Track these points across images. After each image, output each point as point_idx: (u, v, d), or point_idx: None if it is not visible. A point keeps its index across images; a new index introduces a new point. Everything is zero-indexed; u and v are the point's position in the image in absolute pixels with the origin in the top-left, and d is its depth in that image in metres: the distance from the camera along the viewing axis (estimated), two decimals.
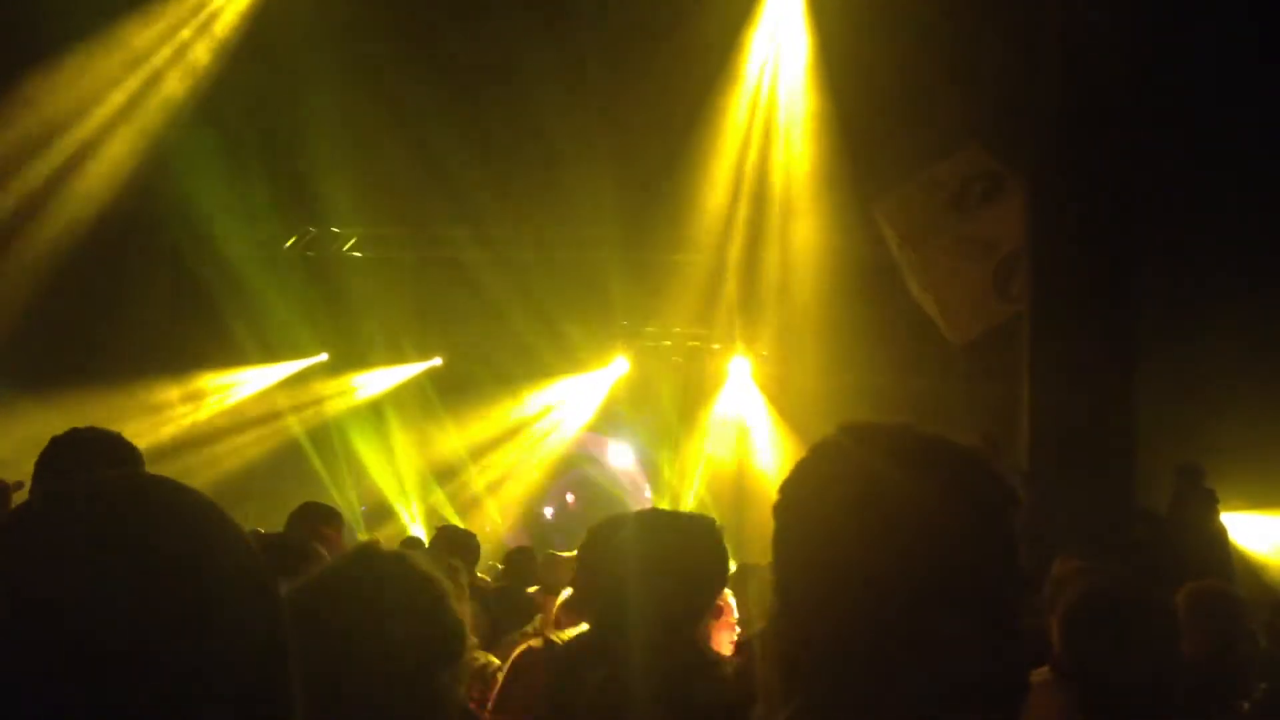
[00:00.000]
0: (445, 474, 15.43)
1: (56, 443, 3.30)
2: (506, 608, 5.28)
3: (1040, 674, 3.03)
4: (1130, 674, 2.85)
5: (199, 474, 12.97)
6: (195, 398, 13.68)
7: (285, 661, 1.08)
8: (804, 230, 11.94)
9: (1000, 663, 1.34)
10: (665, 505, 15.31)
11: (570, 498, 15.69)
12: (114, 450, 3.30)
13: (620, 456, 16.69)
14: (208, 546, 1.08)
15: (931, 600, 1.31)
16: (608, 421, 16.26)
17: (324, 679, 1.68)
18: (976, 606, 1.33)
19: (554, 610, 4.94)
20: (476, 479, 15.62)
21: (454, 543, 6.60)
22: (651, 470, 15.68)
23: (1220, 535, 7.46)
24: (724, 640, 3.99)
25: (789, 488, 1.43)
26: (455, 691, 2.00)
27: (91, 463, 3.18)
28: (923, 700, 1.31)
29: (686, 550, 2.74)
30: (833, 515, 1.36)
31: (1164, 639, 2.93)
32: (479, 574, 7.65)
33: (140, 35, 10.77)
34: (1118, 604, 2.97)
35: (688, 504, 14.92)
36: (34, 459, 3.39)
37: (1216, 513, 7.53)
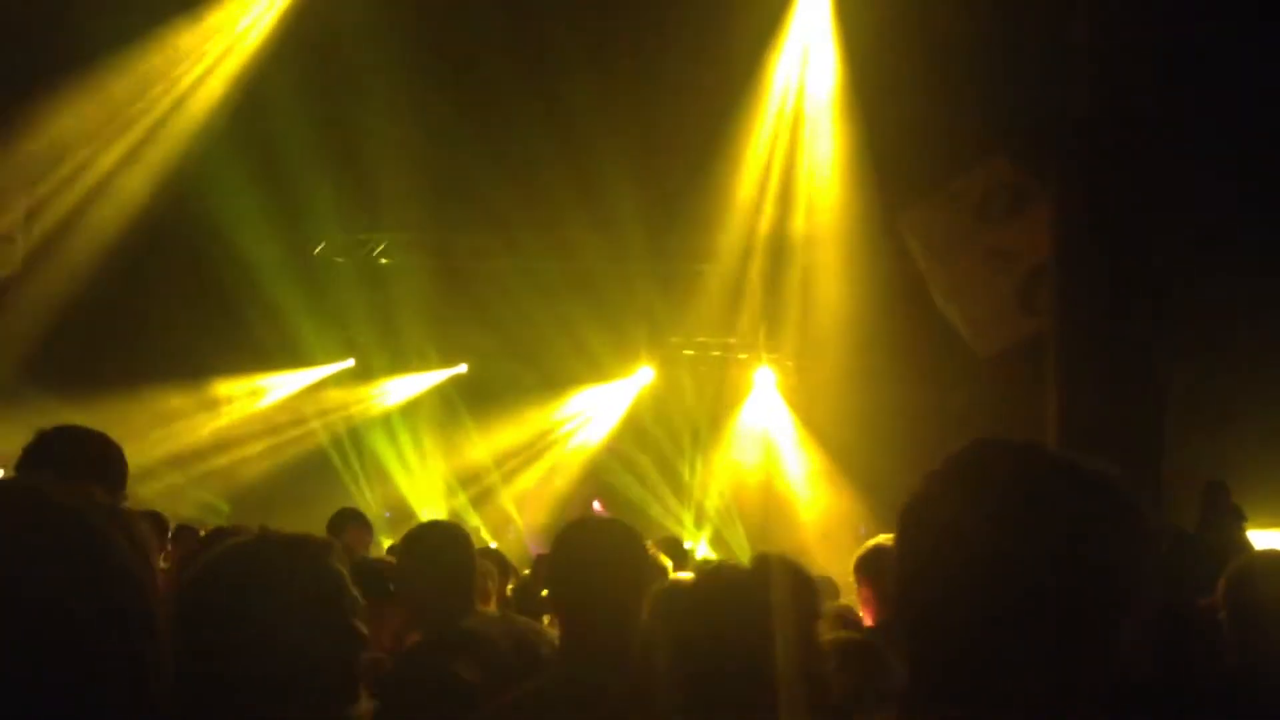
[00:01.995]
0: (469, 481, 15.47)
1: (40, 437, 3.36)
2: (518, 610, 5.35)
3: None
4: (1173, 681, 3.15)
5: (225, 479, 13.08)
6: (222, 403, 13.79)
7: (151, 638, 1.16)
8: (830, 241, 11.94)
9: (1097, 673, 1.39)
10: (689, 515, 15.32)
11: (597, 505, 15.68)
12: (86, 449, 3.34)
13: None
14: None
15: (1046, 615, 1.36)
16: (631, 428, 16.26)
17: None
18: (1087, 621, 1.38)
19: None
20: (500, 486, 15.66)
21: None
22: (676, 481, 15.66)
23: (1246, 551, 7.40)
24: None
25: (924, 496, 1.47)
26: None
27: (68, 459, 3.23)
28: (1031, 701, 1.36)
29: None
30: (961, 527, 1.41)
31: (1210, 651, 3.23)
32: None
33: (172, 46, 10.89)
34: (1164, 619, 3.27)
35: (712, 514, 14.92)
36: None
37: (1243, 528, 7.48)
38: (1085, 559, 1.38)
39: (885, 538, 4.29)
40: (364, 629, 2.07)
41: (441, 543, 3.86)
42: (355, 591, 2.07)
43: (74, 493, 1.19)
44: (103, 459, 3.33)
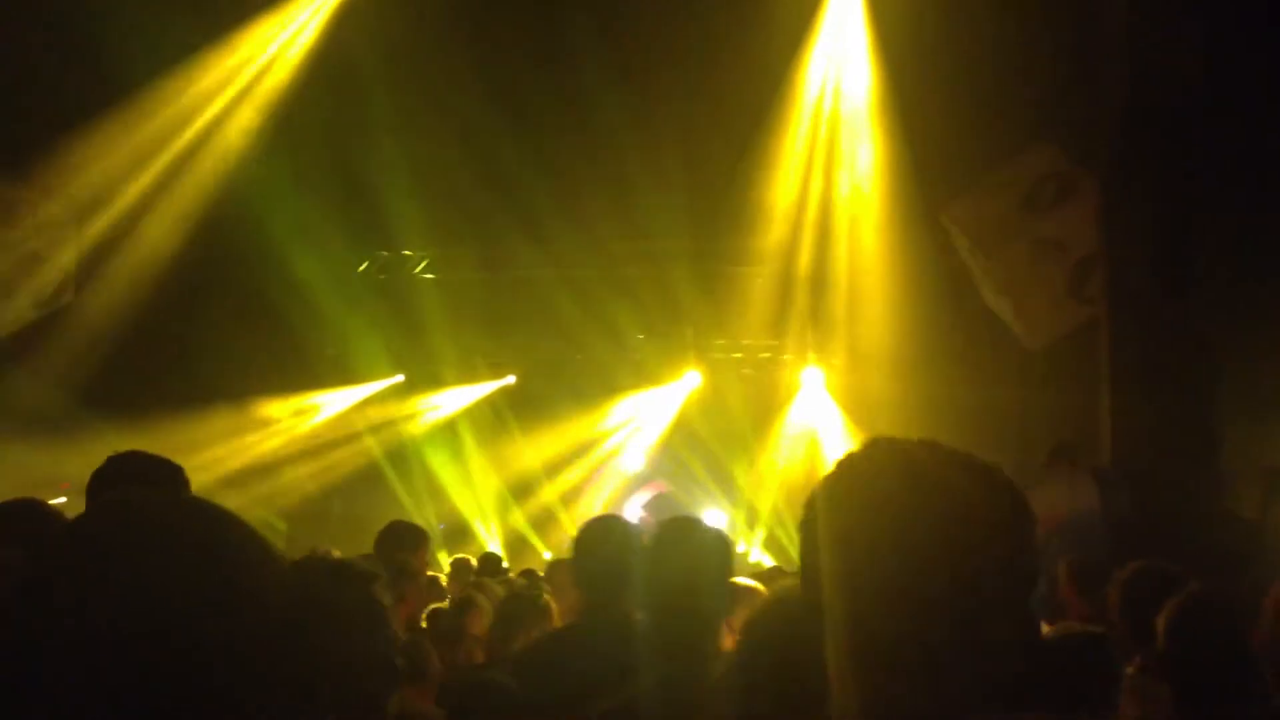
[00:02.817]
0: (520, 491, 15.53)
1: (111, 461, 3.44)
2: (517, 611, 5.40)
3: (1133, 668, 3.66)
4: (1226, 672, 3.34)
5: (281, 497, 13.22)
6: (274, 423, 13.93)
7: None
8: (873, 238, 11.86)
9: (1028, 662, 1.41)
10: (741, 517, 15.28)
11: (644, 513, 15.68)
12: (158, 471, 3.41)
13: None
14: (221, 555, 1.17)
15: (965, 607, 1.37)
16: (681, 433, 16.25)
17: None
18: (1009, 612, 1.39)
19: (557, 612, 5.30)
20: (551, 495, 15.71)
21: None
22: (728, 483, 15.64)
23: None
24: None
25: (825, 498, 1.50)
26: None
27: (136, 481, 3.31)
28: (966, 697, 1.37)
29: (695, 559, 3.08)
30: (865, 526, 1.43)
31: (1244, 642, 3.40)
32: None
33: (216, 66, 11.04)
34: (1219, 611, 3.46)
35: (765, 515, 14.87)
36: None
37: None
38: (979, 550, 1.39)
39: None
40: (398, 662, 2.06)
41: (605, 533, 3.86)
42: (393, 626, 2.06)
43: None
44: (172, 482, 3.40)
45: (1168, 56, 7.87)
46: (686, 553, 3.12)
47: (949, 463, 1.46)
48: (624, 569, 3.49)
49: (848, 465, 1.51)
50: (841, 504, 1.47)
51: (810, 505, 1.51)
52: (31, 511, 3.20)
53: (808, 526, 1.51)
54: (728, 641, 3.49)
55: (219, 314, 12.36)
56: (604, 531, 3.75)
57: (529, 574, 8.60)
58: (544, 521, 15.48)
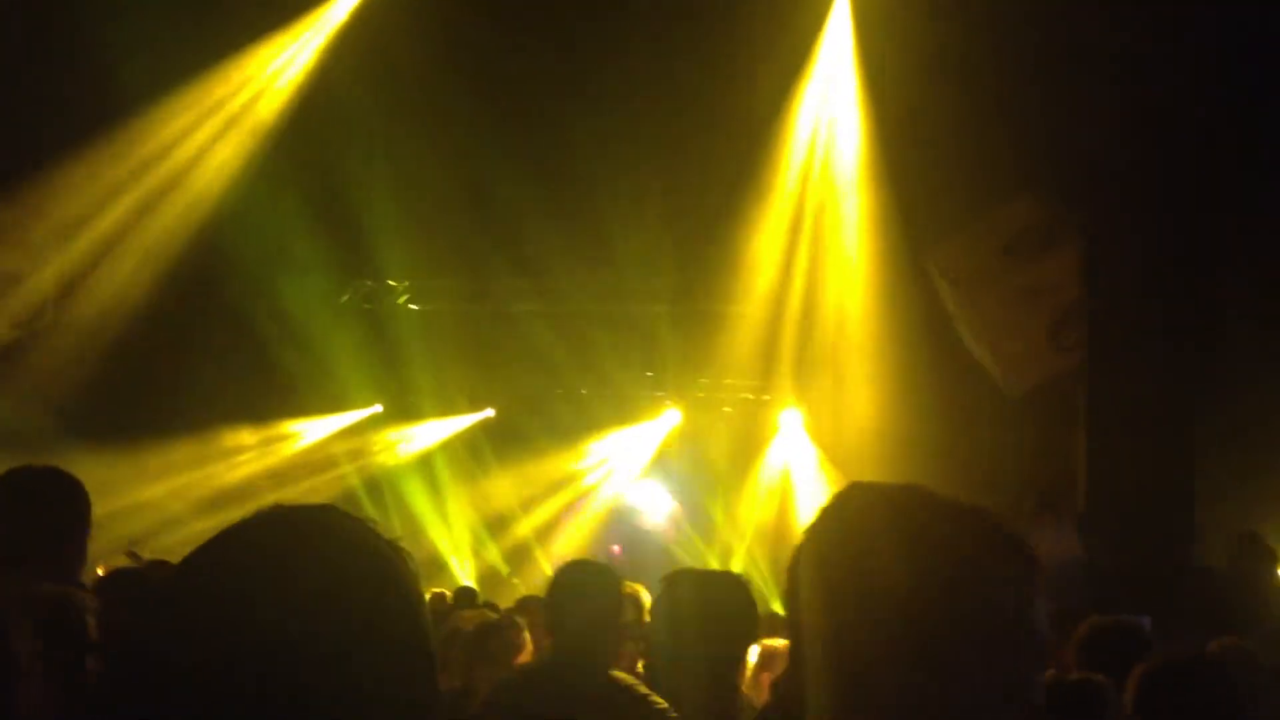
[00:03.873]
0: (496, 525, 15.46)
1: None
2: (484, 643, 5.37)
3: None
4: None
5: None
6: (250, 448, 13.85)
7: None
8: (857, 281, 11.93)
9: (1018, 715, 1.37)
10: (715, 560, 15.23)
11: (616, 549, 15.64)
12: (51, 491, 3.33)
13: (658, 501, 16.60)
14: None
15: (949, 660, 1.34)
16: (660, 471, 16.24)
17: None
18: (993, 667, 1.35)
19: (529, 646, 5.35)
20: (527, 530, 15.64)
21: None
22: (704, 523, 15.60)
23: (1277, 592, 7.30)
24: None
25: (815, 540, 1.47)
26: None
27: (26, 500, 3.23)
28: None
29: (716, 605, 3.07)
30: (852, 575, 1.39)
31: (1228, 704, 3.35)
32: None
33: (203, 94, 11.06)
34: (1191, 672, 3.42)
35: (740, 555, 14.83)
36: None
37: (1274, 569, 7.38)
38: (971, 595, 1.36)
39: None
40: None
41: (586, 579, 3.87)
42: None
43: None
44: (68, 502, 3.32)
45: (1153, 110, 7.97)
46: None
47: (934, 507, 1.44)
48: (598, 615, 3.52)
49: (834, 512, 1.48)
50: (827, 553, 1.44)
51: (795, 553, 1.49)
52: (131, 576, 3.16)
53: (792, 573, 1.48)
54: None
55: (199, 339, 12.31)
56: (580, 576, 3.77)
57: (493, 607, 8.55)
58: (519, 557, 15.40)
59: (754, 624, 3.26)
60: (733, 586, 3.20)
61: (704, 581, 3.28)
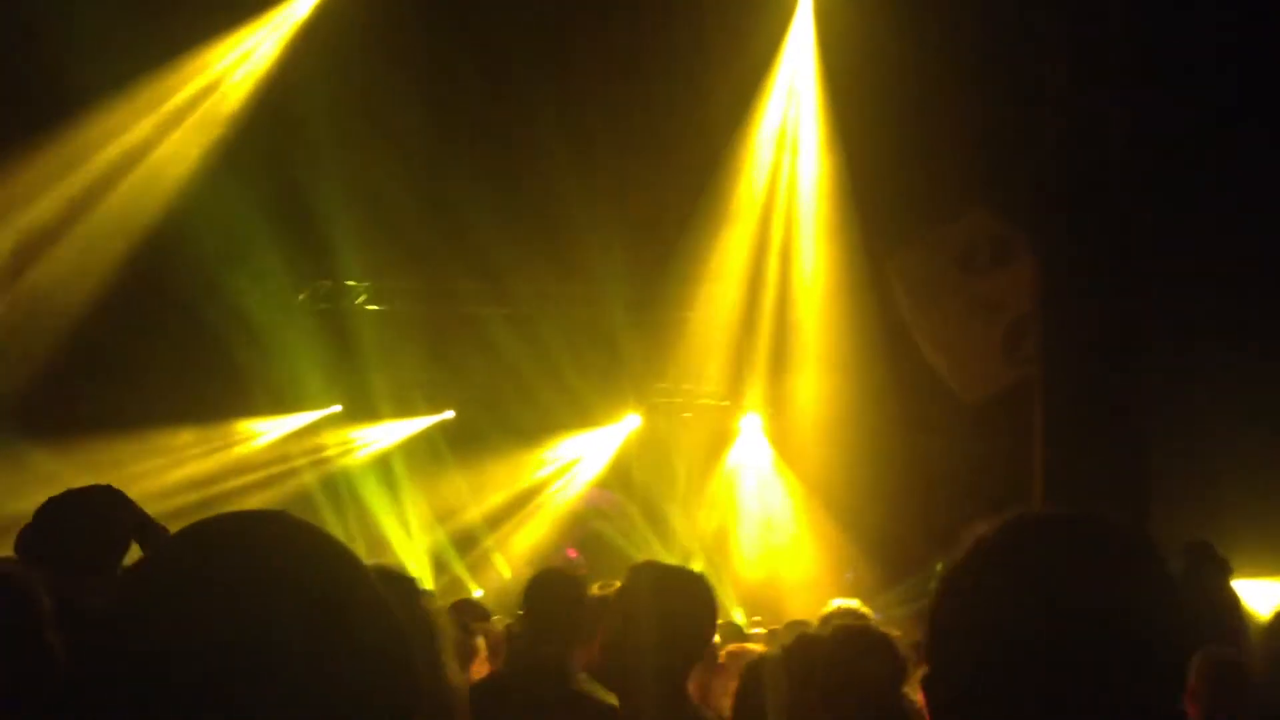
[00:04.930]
0: (454, 527, 15.38)
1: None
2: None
3: None
4: None
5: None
6: (207, 448, 13.72)
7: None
8: (817, 288, 11.99)
9: None
10: (675, 562, 15.20)
11: (572, 552, 15.61)
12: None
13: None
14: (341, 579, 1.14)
15: (1091, 692, 1.33)
16: (616, 477, 16.22)
17: None
18: (1138, 693, 1.34)
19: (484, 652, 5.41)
20: (485, 533, 15.58)
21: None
22: (663, 528, 15.60)
23: (1233, 603, 7.38)
24: (719, 690, 4.28)
25: (964, 566, 1.43)
26: None
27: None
28: None
29: (677, 603, 3.08)
30: (999, 597, 1.38)
31: None
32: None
33: (157, 88, 10.93)
34: None
35: (698, 560, 14.83)
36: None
37: (1228, 580, 7.46)
38: (1131, 631, 1.35)
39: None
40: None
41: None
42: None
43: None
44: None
45: (1106, 122, 8.06)
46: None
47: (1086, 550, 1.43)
48: (569, 622, 3.67)
49: (991, 542, 1.43)
50: (967, 579, 1.41)
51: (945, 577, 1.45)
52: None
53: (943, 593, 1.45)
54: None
55: (151, 338, 12.16)
56: (551, 585, 3.91)
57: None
58: (477, 559, 15.34)
59: (712, 621, 3.29)
60: (693, 581, 3.23)
61: (666, 573, 3.30)
